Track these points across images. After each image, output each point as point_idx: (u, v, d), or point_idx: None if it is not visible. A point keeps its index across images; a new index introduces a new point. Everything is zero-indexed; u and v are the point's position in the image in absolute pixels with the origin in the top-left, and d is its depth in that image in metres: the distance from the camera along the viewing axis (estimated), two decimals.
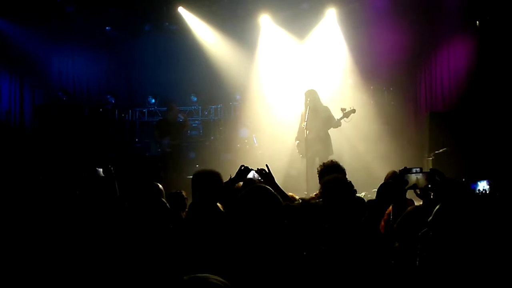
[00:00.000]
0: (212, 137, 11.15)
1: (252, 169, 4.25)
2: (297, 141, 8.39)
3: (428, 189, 2.95)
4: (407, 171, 2.82)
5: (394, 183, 2.78)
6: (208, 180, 3.61)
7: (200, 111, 11.80)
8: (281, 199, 2.65)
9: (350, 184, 3.45)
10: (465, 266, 2.23)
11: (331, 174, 4.15)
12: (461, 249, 2.26)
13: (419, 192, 3.07)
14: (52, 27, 11.06)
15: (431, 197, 3.01)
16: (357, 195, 4.28)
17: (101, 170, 4.27)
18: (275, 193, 2.69)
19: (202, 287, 1.46)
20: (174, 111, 9.47)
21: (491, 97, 9.08)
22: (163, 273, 2.50)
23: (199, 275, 1.49)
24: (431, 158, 8.59)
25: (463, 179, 4.39)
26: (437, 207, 2.36)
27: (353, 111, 8.00)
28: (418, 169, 2.95)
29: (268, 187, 2.73)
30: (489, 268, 2.23)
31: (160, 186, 4.42)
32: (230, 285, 1.49)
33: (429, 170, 2.89)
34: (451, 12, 9.76)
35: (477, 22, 9.52)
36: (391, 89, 10.39)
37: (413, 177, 2.89)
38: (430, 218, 2.34)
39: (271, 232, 2.34)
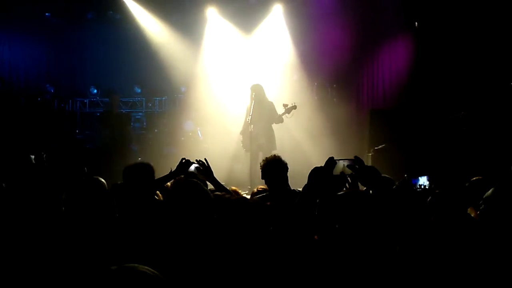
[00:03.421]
0: (156, 130, 10.99)
1: (193, 162, 4.23)
2: (242, 135, 8.41)
3: (353, 176, 3.09)
4: (333, 159, 2.95)
5: (323, 168, 2.87)
6: (138, 172, 3.57)
7: (144, 103, 11.60)
8: (209, 194, 2.67)
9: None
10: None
11: (274, 168, 4.21)
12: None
13: (350, 181, 3.19)
14: None
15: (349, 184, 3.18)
16: (298, 189, 4.36)
17: (33, 157, 4.13)
18: (205, 188, 2.72)
19: (130, 276, 1.45)
20: (115, 102, 9.21)
21: (429, 95, 9.47)
22: (93, 264, 2.44)
23: (127, 264, 1.48)
24: (371, 154, 8.84)
25: (405, 175, 4.55)
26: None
27: (294, 107, 8.13)
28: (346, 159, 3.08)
29: (198, 181, 2.76)
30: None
31: (100, 178, 4.33)
32: (159, 274, 1.48)
33: (353, 158, 3.01)
34: (392, 12, 10.10)
35: (416, 23, 9.90)
36: (335, 85, 10.62)
37: (341, 164, 3.02)
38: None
39: (197, 226, 2.37)
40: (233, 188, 4.46)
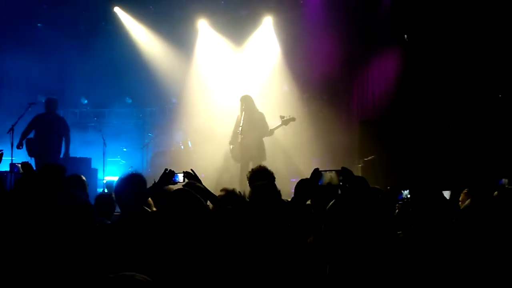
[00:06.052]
0: (146, 140, 10.98)
1: (177, 173, 4.24)
2: (231, 146, 8.42)
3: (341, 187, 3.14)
4: (319, 171, 3.01)
5: (309, 179, 2.93)
6: (130, 183, 3.57)
7: (134, 114, 11.60)
8: (203, 201, 2.70)
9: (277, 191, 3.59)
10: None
11: (260, 179, 4.23)
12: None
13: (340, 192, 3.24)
14: None
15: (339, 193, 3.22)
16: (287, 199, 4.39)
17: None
18: (197, 195, 2.73)
19: (127, 284, 1.48)
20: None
21: (418, 106, 9.54)
22: (89, 273, 2.44)
23: (125, 273, 1.51)
24: (360, 165, 8.89)
25: (388, 187, 4.62)
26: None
27: (293, 119, 8.12)
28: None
29: (190, 189, 2.78)
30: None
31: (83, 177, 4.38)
32: (154, 283, 1.51)
33: (340, 169, 3.06)
34: (382, 25, 10.21)
35: (405, 36, 10.01)
36: (325, 97, 10.68)
37: (327, 175, 3.07)
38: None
39: (192, 232, 2.39)
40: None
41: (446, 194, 4.28)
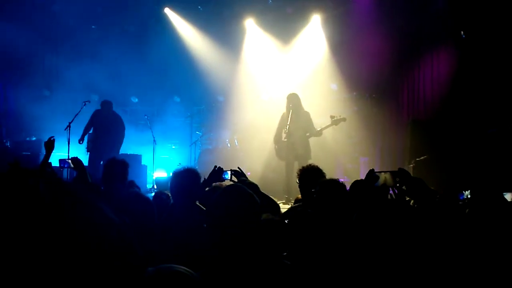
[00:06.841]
0: (194, 138, 11.13)
1: (226, 170, 4.27)
2: (276, 145, 8.36)
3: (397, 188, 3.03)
4: (373, 172, 2.91)
5: (364, 181, 2.85)
6: (187, 177, 3.60)
7: (183, 112, 11.77)
8: (256, 197, 2.68)
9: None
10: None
11: (311, 177, 4.15)
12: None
13: (396, 193, 3.13)
14: (38, 25, 10.96)
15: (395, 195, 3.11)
16: None
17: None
18: (250, 191, 2.71)
19: (167, 275, 1.48)
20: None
21: (472, 106, 9.17)
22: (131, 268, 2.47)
23: (163, 265, 1.51)
24: (411, 166, 8.65)
25: (448, 188, 4.44)
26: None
27: (343, 119, 7.94)
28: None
29: (244, 186, 2.75)
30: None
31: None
32: (195, 274, 1.50)
33: (395, 170, 2.95)
34: (436, 21, 9.83)
35: (462, 32, 9.60)
36: (374, 95, 10.43)
37: (382, 176, 2.97)
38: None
39: (245, 230, 2.36)
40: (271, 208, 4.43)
41: (508, 196, 4.09)
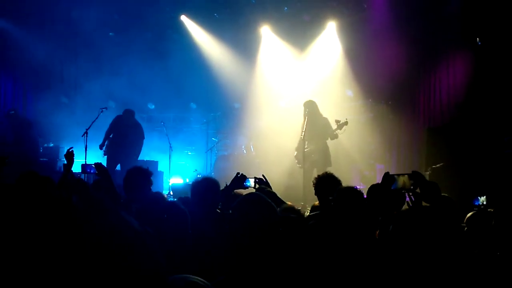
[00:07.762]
0: (210, 145, 11.19)
1: (248, 178, 4.30)
2: (296, 152, 8.40)
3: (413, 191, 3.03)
4: (389, 175, 2.92)
5: (381, 184, 2.86)
6: (207, 186, 3.64)
7: (199, 119, 11.85)
8: (274, 206, 2.70)
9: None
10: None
11: (326, 185, 4.18)
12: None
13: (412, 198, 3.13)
14: (58, 33, 11.15)
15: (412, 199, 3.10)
16: None
17: None
18: (269, 200, 2.74)
19: (183, 284, 1.50)
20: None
21: (489, 113, 9.08)
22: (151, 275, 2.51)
23: (178, 275, 1.54)
24: (428, 173, 8.59)
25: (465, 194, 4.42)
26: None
27: (346, 123, 8.03)
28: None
29: (263, 195, 2.79)
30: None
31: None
32: (209, 285, 1.53)
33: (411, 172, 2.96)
34: (452, 27, 9.77)
35: (478, 39, 9.53)
36: (390, 102, 10.40)
37: (400, 179, 2.98)
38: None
39: (264, 237, 2.39)
40: (289, 203, 4.46)
41: None
